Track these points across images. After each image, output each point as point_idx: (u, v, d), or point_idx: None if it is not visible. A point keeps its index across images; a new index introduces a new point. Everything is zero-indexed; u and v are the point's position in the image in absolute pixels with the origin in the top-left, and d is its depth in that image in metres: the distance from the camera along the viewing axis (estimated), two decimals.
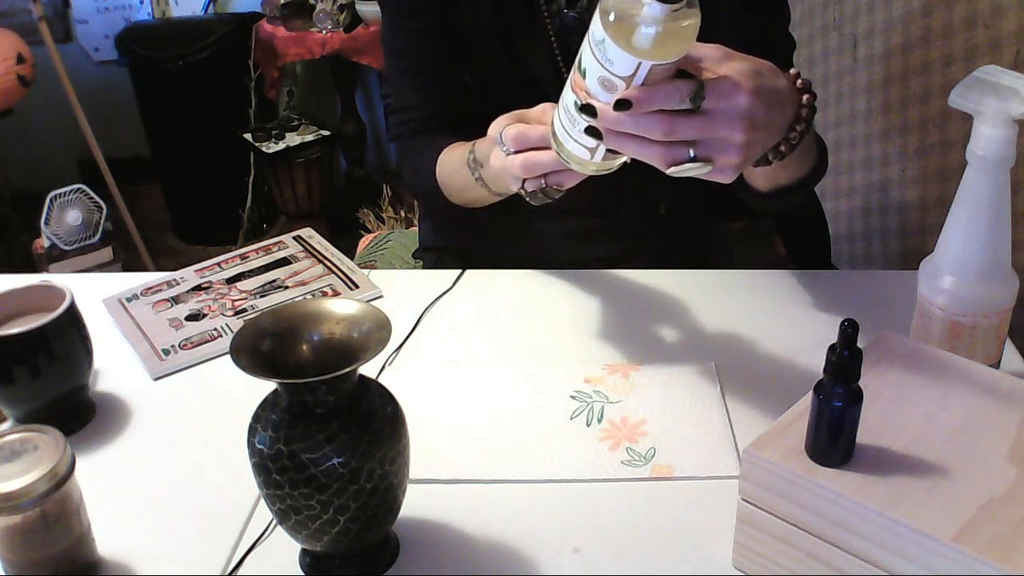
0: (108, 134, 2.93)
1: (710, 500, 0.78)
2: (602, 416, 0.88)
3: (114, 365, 0.99)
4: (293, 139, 2.92)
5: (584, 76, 0.71)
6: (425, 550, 0.75)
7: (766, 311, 1.03)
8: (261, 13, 3.02)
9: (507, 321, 1.03)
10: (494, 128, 0.87)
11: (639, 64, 0.67)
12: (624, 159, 0.77)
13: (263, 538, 0.77)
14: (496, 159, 0.87)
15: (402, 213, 2.89)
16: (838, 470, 0.65)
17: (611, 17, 0.67)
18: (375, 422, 0.68)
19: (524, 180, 0.85)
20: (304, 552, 0.74)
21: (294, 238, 1.21)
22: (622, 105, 0.69)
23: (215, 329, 1.03)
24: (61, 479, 0.69)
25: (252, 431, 0.68)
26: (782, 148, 0.79)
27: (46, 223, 2.58)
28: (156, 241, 3.11)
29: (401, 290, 1.10)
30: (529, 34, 1.06)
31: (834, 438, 0.64)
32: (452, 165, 1.07)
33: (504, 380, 0.94)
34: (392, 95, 1.17)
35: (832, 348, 0.63)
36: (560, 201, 0.88)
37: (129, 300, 1.09)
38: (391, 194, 2.91)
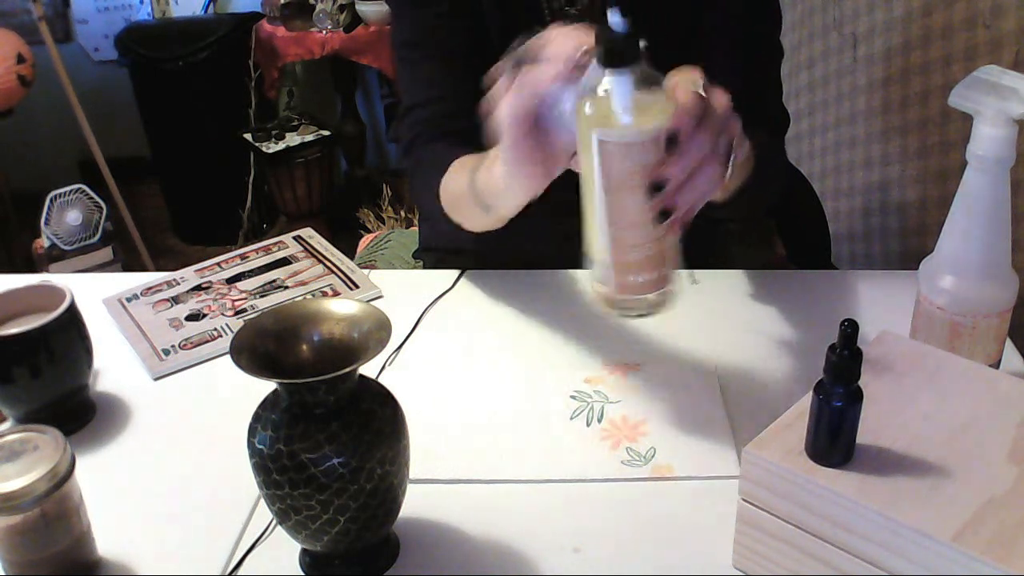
0: (108, 134, 2.93)
1: (710, 500, 0.78)
2: (602, 416, 0.88)
3: (114, 365, 0.99)
4: (293, 139, 2.92)
5: (608, 196, 0.72)
6: (425, 550, 0.75)
7: (766, 311, 1.03)
8: (261, 13, 3.02)
9: (507, 321, 1.03)
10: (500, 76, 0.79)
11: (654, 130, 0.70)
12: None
13: (263, 538, 0.77)
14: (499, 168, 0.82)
15: (402, 213, 2.89)
16: (838, 470, 0.65)
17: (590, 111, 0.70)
18: (375, 422, 0.68)
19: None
20: (304, 552, 0.74)
21: (294, 238, 1.21)
22: (672, 140, 0.69)
23: (215, 329, 1.03)
24: (61, 479, 0.69)
25: (252, 431, 0.68)
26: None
27: (46, 223, 2.58)
28: (156, 241, 3.12)
29: (401, 290, 1.10)
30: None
31: (834, 438, 0.64)
32: (455, 192, 1.01)
33: (504, 380, 0.94)
34: (404, 94, 1.13)
35: (832, 348, 0.63)
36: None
37: (129, 300, 1.09)
38: (391, 194, 2.91)
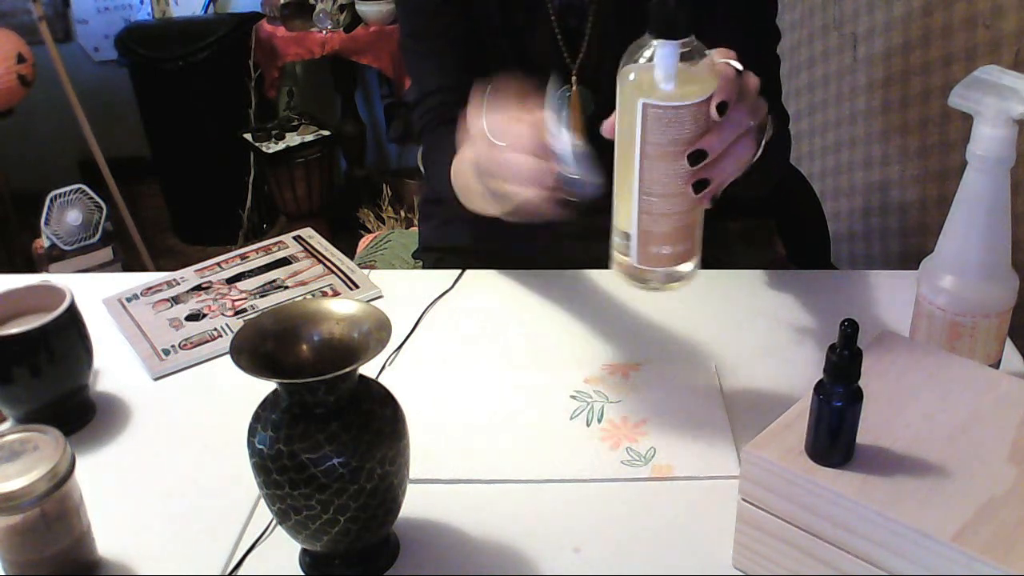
0: (108, 134, 2.92)
1: (710, 500, 0.78)
2: (602, 416, 0.88)
3: (114, 365, 0.99)
4: (293, 139, 2.92)
5: (646, 171, 0.73)
6: (425, 550, 0.75)
7: (766, 311, 1.03)
8: (261, 13, 3.01)
9: (507, 321, 1.03)
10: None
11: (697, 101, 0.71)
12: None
13: (263, 538, 0.77)
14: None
15: (402, 213, 2.89)
16: (838, 470, 0.65)
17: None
18: (375, 422, 0.68)
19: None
20: (304, 552, 0.74)
21: (294, 238, 1.21)
22: (723, 107, 0.71)
23: (215, 329, 1.03)
24: (61, 479, 0.69)
25: (252, 431, 0.68)
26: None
27: (46, 223, 2.57)
28: (156, 241, 3.11)
29: (401, 290, 1.10)
30: (530, 15, 1.06)
31: (834, 438, 0.64)
32: (462, 185, 1.03)
33: (504, 380, 0.94)
34: (413, 83, 1.16)
35: (832, 348, 0.63)
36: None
37: (129, 300, 1.09)
38: (391, 194, 2.91)
